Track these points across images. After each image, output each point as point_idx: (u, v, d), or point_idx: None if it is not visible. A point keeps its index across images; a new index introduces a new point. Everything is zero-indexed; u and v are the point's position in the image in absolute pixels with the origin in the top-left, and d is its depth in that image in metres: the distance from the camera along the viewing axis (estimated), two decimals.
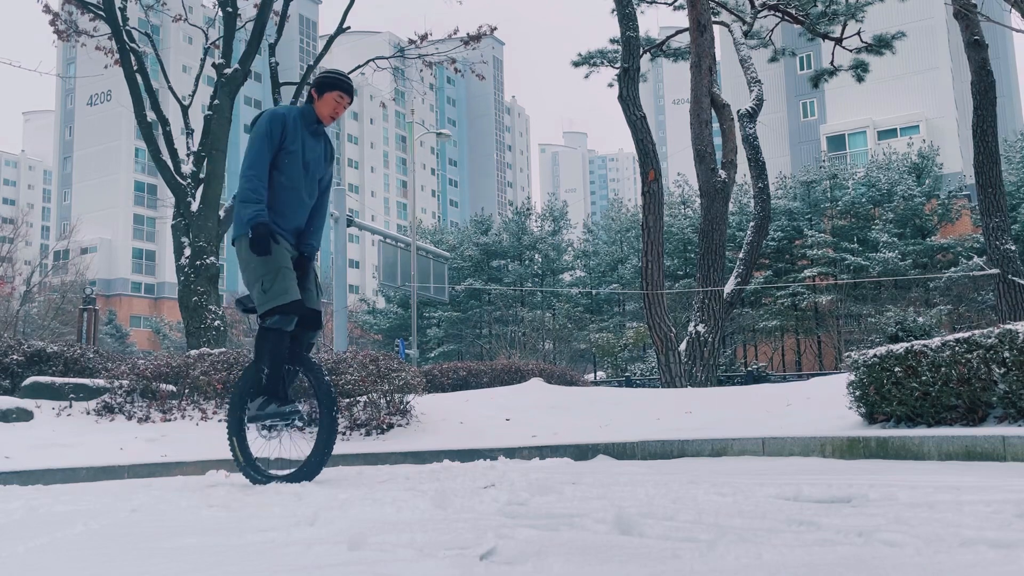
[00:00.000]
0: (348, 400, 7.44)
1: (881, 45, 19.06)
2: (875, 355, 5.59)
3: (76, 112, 75.41)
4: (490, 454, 6.14)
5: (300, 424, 4.36)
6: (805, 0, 18.01)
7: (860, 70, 19.61)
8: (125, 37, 13.09)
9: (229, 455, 4.47)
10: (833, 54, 19.28)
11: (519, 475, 4.28)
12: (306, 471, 4.17)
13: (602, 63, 20.66)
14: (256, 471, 4.30)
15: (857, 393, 5.72)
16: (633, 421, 7.18)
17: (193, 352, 8.79)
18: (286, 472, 4.29)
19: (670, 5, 19.60)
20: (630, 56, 14.17)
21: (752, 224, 15.19)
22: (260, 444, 4.45)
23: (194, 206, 12.90)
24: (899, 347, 5.48)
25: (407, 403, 7.57)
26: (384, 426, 7.20)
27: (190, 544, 2.24)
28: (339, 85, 4.39)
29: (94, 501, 3.45)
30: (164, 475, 5.71)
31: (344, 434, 7.04)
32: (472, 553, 1.94)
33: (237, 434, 4.39)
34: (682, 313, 27.49)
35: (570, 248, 42.83)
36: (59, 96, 77.31)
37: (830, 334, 32.88)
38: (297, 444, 4.56)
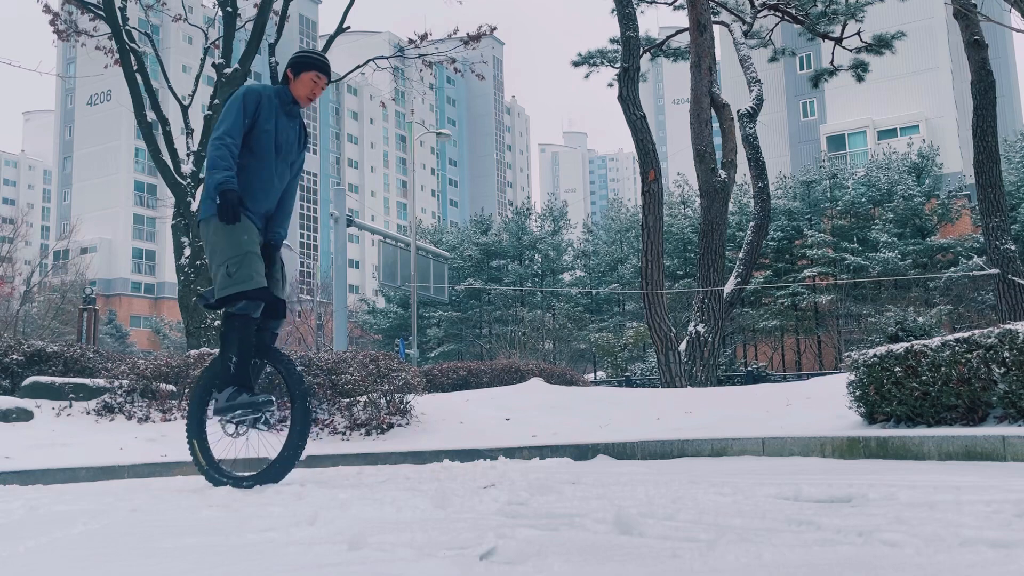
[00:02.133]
0: (348, 400, 7.45)
1: (881, 45, 19.06)
2: (875, 355, 5.59)
3: (76, 112, 75.41)
4: (490, 454, 6.14)
5: (264, 428, 4.11)
6: (805, 0, 18.01)
7: (860, 70, 19.61)
8: (125, 37, 13.09)
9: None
10: (833, 54, 19.28)
11: (519, 475, 4.28)
12: (278, 466, 3.96)
13: (602, 63, 20.66)
14: (220, 473, 4.10)
15: (857, 393, 5.73)
16: (633, 421, 7.18)
17: (193, 352, 8.79)
18: (256, 472, 4.06)
19: (670, 5, 19.60)
20: (630, 56, 14.17)
21: (752, 224, 15.19)
22: (226, 443, 4.22)
23: (194, 206, 12.90)
24: (899, 347, 5.48)
25: (407, 403, 7.57)
26: (384, 426, 7.20)
27: (190, 544, 2.24)
28: (316, 65, 4.22)
29: (94, 501, 3.45)
30: (164, 475, 5.71)
31: (344, 434, 7.05)
32: (472, 553, 1.94)
33: (197, 436, 4.17)
34: (682, 313, 27.49)
35: (570, 248, 42.84)
36: (59, 96, 77.30)
37: (830, 334, 32.88)
38: (266, 442, 4.33)
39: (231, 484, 3.97)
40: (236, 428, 4.12)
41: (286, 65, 4.28)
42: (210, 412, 4.26)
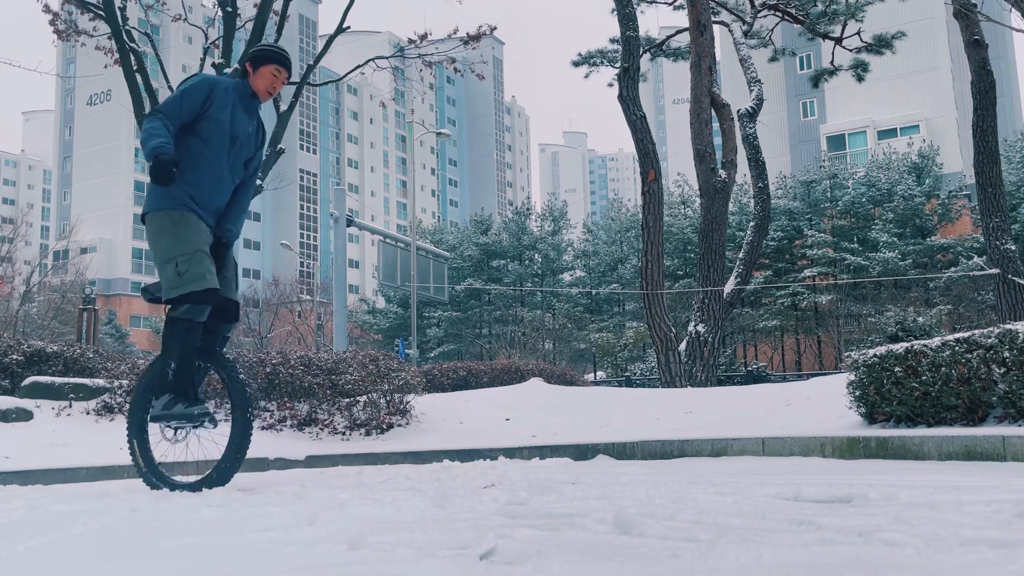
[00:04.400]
0: (348, 400, 7.44)
1: (881, 45, 19.07)
2: (875, 355, 5.59)
3: (76, 112, 75.45)
4: (490, 454, 6.14)
5: (211, 427, 3.93)
6: (805, 0, 18.01)
7: (860, 70, 19.62)
8: (125, 37, 13.07)
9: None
10: (833, 54, 19.29)
11: (519, 475, 4.28)
12: (215, 478, 3.78)
13: (602, 63, 20.68)
14: (159, 478, 3.93)
15: (857, 393, 5.73)
16: (633, 421, 7.18)
17: None
18: (194, 479, 3.91)
19: (670, 5, 19.61)
20: (630, 56, 14.17)
21: (752, 224, 15.19)
22: (165, 447, 4.06)
23: None
24: (899, 347, 5.48)
25: (407, 403, 7.57)
26: (384, 426, 7.20)
27: (190, 544, 2.24)
28: (276, 58, 4.06)
29: (94, 501, 3.45)
30: None
31: (344, 434, 7.05)
32: (472, 553, 1.94)
33: (138, 437, 3.98)
34: (682, 313, 27.49)
35: (570, 248, 42.85)
36: (59, 96, 77.35)
37: (830, 334, 32.88)
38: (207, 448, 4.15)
39: (168, 490, 3.84)
40: (175, 433, 3.97)
41: (244, 59, 4.09)
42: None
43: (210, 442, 4.07)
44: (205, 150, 3.89)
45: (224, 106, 3.93)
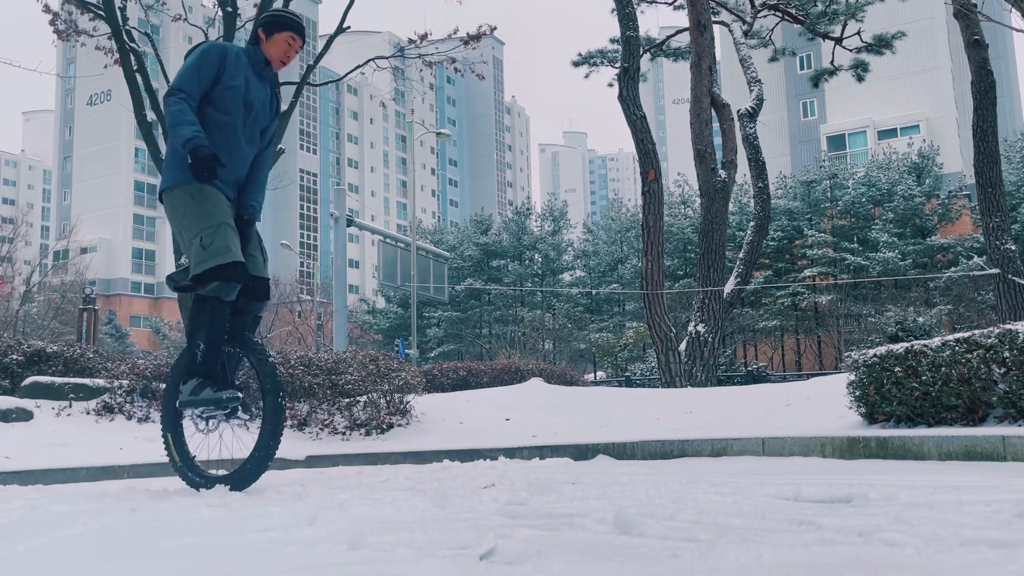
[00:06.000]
0: (348, 400, 7.45)
1: (881, 45, 19.07)
2: (875, 355, 5.59)
3: (76, 112, 75.44)
4: (490, 454, 6.14)
5: (245, 417, 3.82)
6: (805, 0, 18.01)
7: (860, 70, 19.62)
8: (125, 37, 13.08)
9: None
10: (833, 54, 19.29)
11: (519, 475, 4.28)
12: (249, 468, 3.67)
13: (602, 63, 20.69)
14: (194, 472, 3.82)
15: (857, 393, 5.73)
16: (633, 421, 7.19)
17: None
18: (228, 473, 3.78)
19: (670, 5, 19.61)
20: (630, 56, 14.17)
21: (752, 224, 15.19)
22: (199, 439, 3.91)
23: None
24: (899, 347, 5.48)
25: (407, 403, 7.57)
26: (384, 426, 7.20)
27: (190, 544, 2.24)
28: (291, 25, 3.86)
29: (94, 501, 3.45)
30: (164, 475, 5.70)
31: (344, 434, 7.05)
32: (472, 553, 1.94)
33: (172, 430, 3.88)
34: (682, 313, 27.49)
35: (570, 248, 42.86)
36: (59, 96, 77.34)
37: (830, 334, 32.88)
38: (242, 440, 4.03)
39: (205, 484, 3.74)
40: (207, 424, 3.83)
41: (256, 24, 3.91)
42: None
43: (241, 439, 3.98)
44: (220, 116, 3.73)
45: (236, 72, 3.77)
